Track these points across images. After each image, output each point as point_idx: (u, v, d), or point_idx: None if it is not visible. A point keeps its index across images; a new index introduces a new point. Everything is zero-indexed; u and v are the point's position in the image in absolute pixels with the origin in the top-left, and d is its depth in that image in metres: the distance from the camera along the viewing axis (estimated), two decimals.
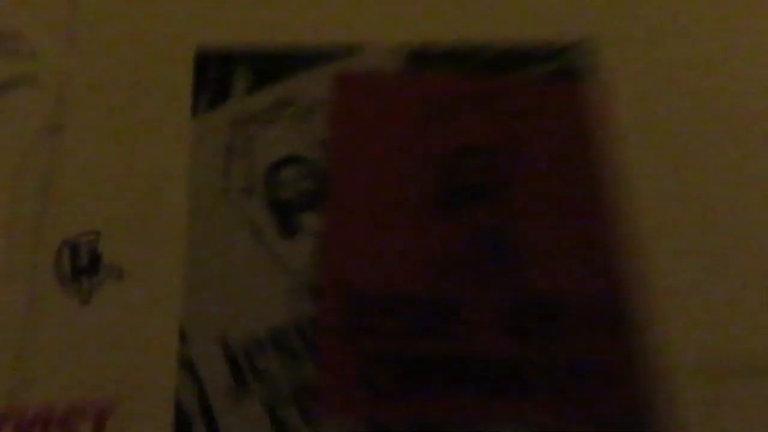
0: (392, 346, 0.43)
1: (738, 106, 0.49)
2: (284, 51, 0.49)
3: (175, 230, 0.45)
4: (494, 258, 0.45)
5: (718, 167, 0.47)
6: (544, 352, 0.43)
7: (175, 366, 0.42)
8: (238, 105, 0.48)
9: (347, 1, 0.51)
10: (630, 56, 0.50)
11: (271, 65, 0.49)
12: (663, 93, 0.49)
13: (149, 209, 0.45)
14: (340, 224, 0.46)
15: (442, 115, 0.48)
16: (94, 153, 0.47)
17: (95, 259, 0.44)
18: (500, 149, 0.48)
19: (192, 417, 0.41)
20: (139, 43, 0.49)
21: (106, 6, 0.50)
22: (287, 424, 0.41)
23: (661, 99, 0.49)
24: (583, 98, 0.49)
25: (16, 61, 0.48)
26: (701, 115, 0.49)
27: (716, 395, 0.42)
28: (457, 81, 0.50)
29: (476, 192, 0.47)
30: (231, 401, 0.42)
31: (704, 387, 0.42)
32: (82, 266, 0.44)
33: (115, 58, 0.49)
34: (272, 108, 0.48)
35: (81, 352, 0.42)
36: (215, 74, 0.49)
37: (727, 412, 0.41)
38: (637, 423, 0.42)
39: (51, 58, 0.49)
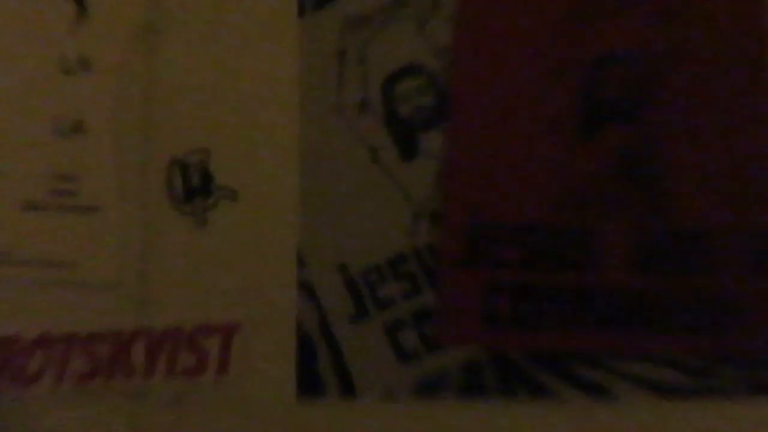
0: (515, 277, 0.42)
1: None
2: None
3: (287, 147, 0.43)
4: (635, 184, 0.42)
5: None
6: (683, 287, 0.41)
7: (295, 290, 0.42)
8: (350, 4, 0.43)
9: None
10: None
11: None
12: None
13: (259, 123, 0.43)
14: (464, 145, 0.43)
15: (582, 17, 0.43)
16: (196, 59, 0.43)
17: (207, 180, 0.43)
18: (649, 57, 0.42)
19: (314, 339, 0.42)
20: None
21: None
22: (407, 348, 0.42)
23: None
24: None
25: None
26: None
27: None
28: None
29: (619, 108, 0.42)
30: (352, 326, 0.42)
31: None
32: (195, 186, 0.43)
33: None
34: (389, 7, 0.43)
35: (202, 274, 0.42)
36: None
37: None
38: None
39: None
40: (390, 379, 0.42)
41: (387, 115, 0.43)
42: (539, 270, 0.42)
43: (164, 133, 0.43)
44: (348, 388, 0.42)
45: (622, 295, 0.42)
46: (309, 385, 0.42)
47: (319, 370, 0.42)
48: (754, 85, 0.41)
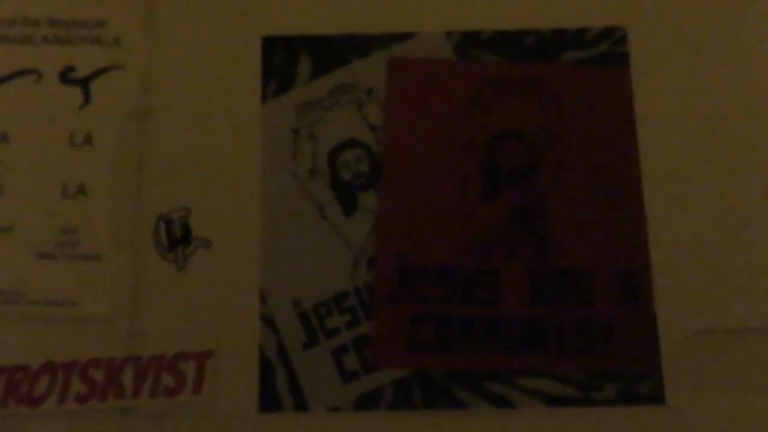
0: (433, 309, 0.52)
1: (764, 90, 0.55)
2: (342, 39, 0.55)
3: (252, 206, 0.54)
4: (527, 233, 0.53)
5: (742, 150, 0.54)
6: (567, 315, 0.52)
7: (258, 322, 0.52)
8: (302, 92, 0.55)
9: None
10: (660, 43, 0.55)
11: (331, 53, 0.55)
12: (690, 78, 0.55)
13: (229, 187, 0.54)
14: (393, 203, 0.54)
15: (485, 100, 0.55)
16: (179, 135, 0.54)
17: (187, 232, 0.53)
18: (536, 133, 0.54)
19: (273, 362, 0.52)
20: (212, 31, 0.56)
21: None
22: (350, 369, 0.52)
23: (688, 83, 0.54)
24: (614, 82, 0.55)
25: (104, 49, 0.55)
26: (727, 101, 0.54)
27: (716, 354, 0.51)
28: (499, 66, 0.55)
29: (513, 174, 0.54)
30: (305, 351, 0.52)
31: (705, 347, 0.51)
32: (177, 238, 0.53)
33: (191, 47, 0.56)
34: (332, 94, 0.55)
35: (181, 310, 0.53)
36: (280, 62, 0.55)
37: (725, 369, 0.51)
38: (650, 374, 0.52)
39: (133, 45, 0.55)
40: (335, 395, 0.52)
41: (332, 179, 0.54)
42: (454, 304, 0.53)
43: (152, 194, 0.54)
44: (301, 403, 0.52)
45: (520, 323, 0.53)
46: (269, 401, 0.52)
47: (277, 388, 0.52)
48: (611, 154, 0.54)
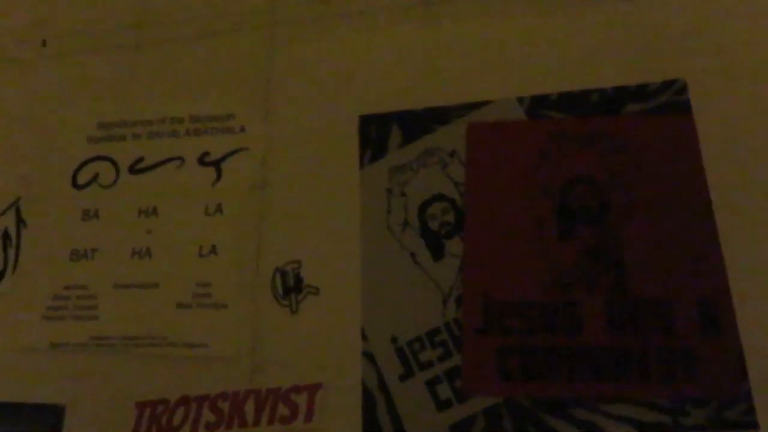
0: (519, 341, 0.58)
1: None
2: (426, 112, 0.66)
3: (353, 256, 0.64)
4: (604, 267, 0.59)
5: None
6: (648, 343, 0.56)
7: (360, 357, 0.61)
8: (394, 158, 0.66)
9: (473, 68, 0.67)
10: (719, 93, 0.61)
11: (418, 124, 0.66)
12: (751, 126, 0.60)
13: (333, 241, 0.64)
14: (476, 247, 0.62)
15: (554, 153, 0.63)
16: (292, 201, 0.67)
17: (299, 281, 0.64)
18: (605, 177, 0.61)
19: (374, 393, 0.60)
20: (317, 114, 0.69)
21: (292, 88, 0.70)
22: (443, 399, 0.59)
23: (749, 131, 0.60)
24: (674, 131, 0.61)
25: (232, 136, 0.69)
26: None
27: None
28: (565, 122, 0.64)
29: (585, 214, 0.61)
30: (401, 383, 0.60)
31: None
32: (290, 286, 0.64)
33: (301, 127, 0.69)
34: (420, 158, 0.65)
35: (294, 348, 0.62)
36: (375, 135, 0.67)
37: None
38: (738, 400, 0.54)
39: (255, 131, 0.69)
40: (431, 423, 0.58)
41: (422, 229, 0.64)
42: (537, 335, 0.59)
43: (270, 251, 0.66)
44: (400, 430, 0.58)
45: (602, 351, 0.57)
46: (371, 428, 0.59)
47: (378, 416, 0.59)
48: (677, 195, 0.59)
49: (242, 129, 0.70)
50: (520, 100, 0.66)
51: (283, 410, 0.60)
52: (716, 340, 0.56)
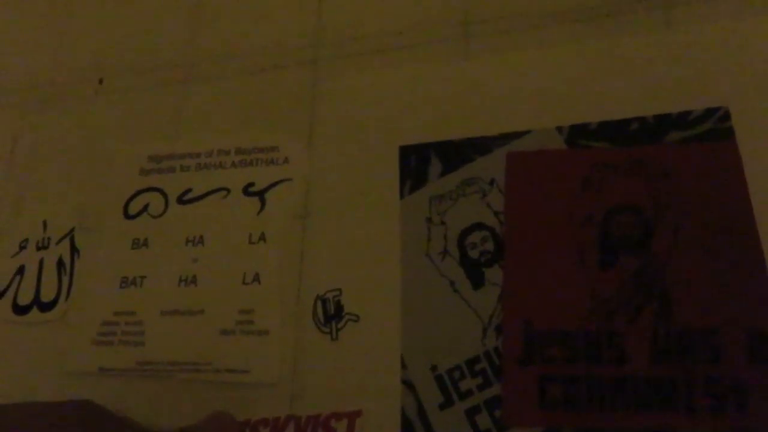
0: (560, 370, 0.58)
1: None
2: (465, 142, 0.68)
3: (393, 284, 0.65)
4: (647, 296, 0.59)
5: None
6: (694, 374, 0.56)
7: (399, 385, 0.61)
8: (433, 187, 0.67)
9: (512, 98, 0.68)
10: (763, 119, 0.61)
11: (457, 154, 0.68)
12: None
13: (374, 270, 0.66)
14: (516, 276, 0.62)
15: (596, 182, 0.63)
16: (334, 230, 0.68)
17: (339, 309, 0.65)
18: (648, 205, 0.61)
19: (413, 421, 0.60)
20: (358, 145, 0.71)
21: (334, 121, 0.73)
22: (483, 429, 0.59)
23: None
24: (718, 158, 0.61)
25: (276, 167, 0.72)
26: None
27: None
28: (608, 152, 0.64)
29: (628, 243, 0.61)
30: (441, 412, 0.60)
31: None
32: (331, 314, 0.65)
33: (342, 158, 0.71)
34: (459, 187, 0.66)
35: (334, 375, 0.63)
36: (414, 165, 0.69)
37: None
38: None
39: (298, 162, 0.72)
40: None
41: (461, 258, 0.64)
42: (579, 364, 0.58)
43: (312, 279, 0.67)
44: None
45: (646, 381, 0.57)
46: None
47: None
48: (720, 222, 0.59)
49: (286, 160, 0.72)
50: (560, 129, 0.67)
51: None
52: (766, 370, 0.55)
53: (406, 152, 0.70)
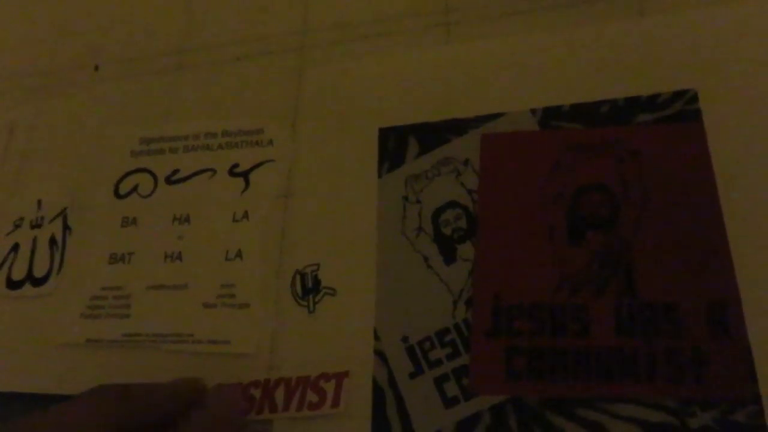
0: (526, 342, 0.61)
1: None
2: (442, 124, 0.71)
3: (369, 260, 0.68)
4: (612, 271, 0.61)
5: None
6: (656, 346, 0.58)
7: (372, 355, 0.64)
8: (410, 167, 0.70)
9: (488, 82, 0.71)
10: (729, 102, 0.63)
11: (434, 135, 0.71)
12: (760, 132, 0.62)
13: (352, 246, 0.69)
14: (487, 252, 0.65)
15: (567, 161, 0.66)
16: (314, 209, 0.71)
17: (317, 283, 0.68)
18: (615, 184, 0.64)
19: (384, 390, 0.63)
20: (340, 128, 0.74)
21: (318, 105, 0.76)
22: (450, 396, 0.61)
23: (758, 138, 0.62)
24: (685, 138, 0.63)
25: (261, 149, 0.75)
26: None
27: None
28: (579, 133, 0.67)
29: (596, 220, 0.63)
30: (411, 380, 0.63)
31: None
32: (309, 288, 0.68)
33: (324, 140, 0.74)
34: (435, 167, 0.69)
35: (311, 345, 0.66)
36: (393, 146, 0.72)
37: None
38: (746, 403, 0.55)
39: (282, 145, 0.75)
40: (438, 420, 0.61)
41: (435, 235, 0.67)
42: (545, 337, 0.61)
43: (291, 255, 0.71)
44: (408, 426, 0.61)
45: (610, 352, 0.59)
46: (380, 424, 0.62)
47: (387, 413, 0.62)
48: (686, 200, 0.61)
49: (270, 142, 0.76)
50: (533, 111, 0.69)
51: (311, 397, 0.64)
52: (725, 343, 0.57)
53: (385, 134, 0.73)
